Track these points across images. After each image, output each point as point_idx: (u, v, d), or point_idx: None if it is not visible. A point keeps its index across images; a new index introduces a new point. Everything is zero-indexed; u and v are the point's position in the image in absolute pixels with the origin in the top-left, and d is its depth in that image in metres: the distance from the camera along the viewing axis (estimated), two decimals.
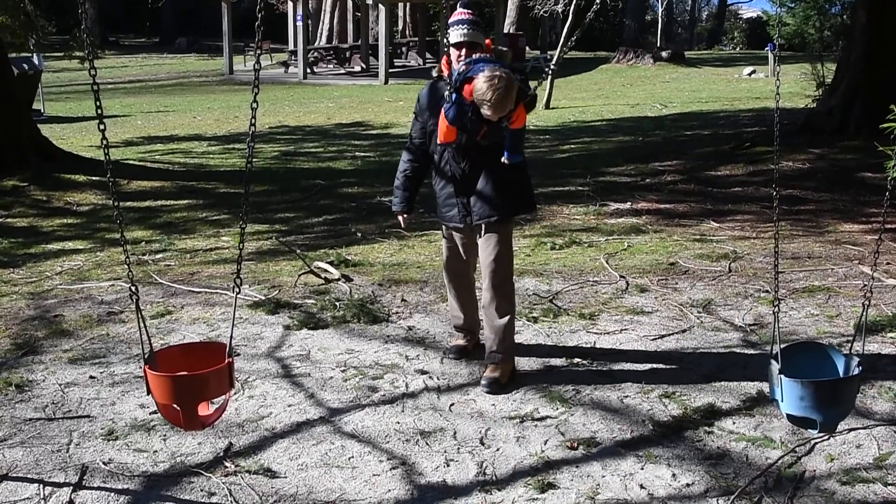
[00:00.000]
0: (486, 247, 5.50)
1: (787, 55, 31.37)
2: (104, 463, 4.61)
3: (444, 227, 5.71)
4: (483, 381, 5.46)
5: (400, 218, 5.81)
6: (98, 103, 3.86)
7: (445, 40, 5.39)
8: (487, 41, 5.44)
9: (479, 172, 5.41)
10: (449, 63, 5.39)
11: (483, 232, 5.47)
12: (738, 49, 51.57)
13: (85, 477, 4.49)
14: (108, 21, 50.67)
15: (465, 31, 5.30)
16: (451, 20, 5.39)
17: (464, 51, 5.29)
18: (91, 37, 4.22)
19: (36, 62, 21.83)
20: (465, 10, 5.40)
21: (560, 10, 27.67)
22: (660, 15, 48.83)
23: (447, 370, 5.72)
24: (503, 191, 5.41)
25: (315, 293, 7.27)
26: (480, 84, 4.99)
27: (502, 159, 5.29)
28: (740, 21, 58.81)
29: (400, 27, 45.50)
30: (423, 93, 5.62)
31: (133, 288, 3.97)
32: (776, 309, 4.21)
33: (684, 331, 6.36)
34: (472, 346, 5.95)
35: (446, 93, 5.21)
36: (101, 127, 3.86)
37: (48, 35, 22.35)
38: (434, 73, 5.63)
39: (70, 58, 18.67)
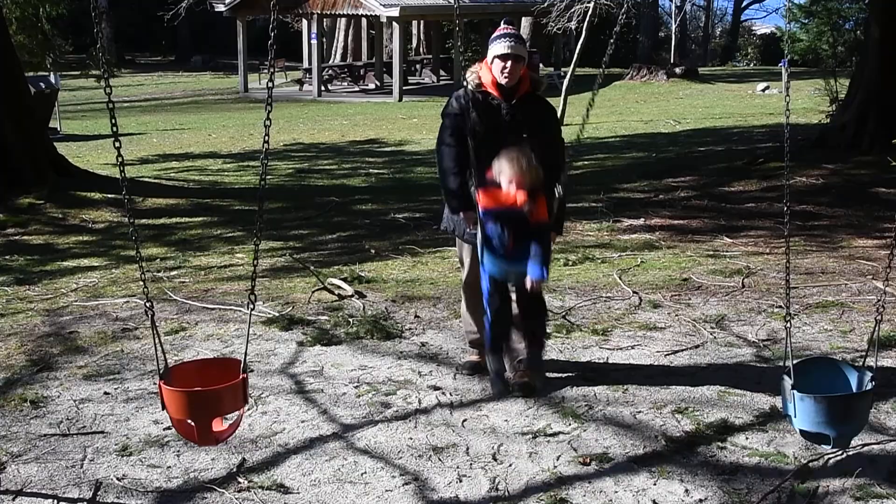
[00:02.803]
0: None
1: (801, 71, 31.34)
2: (118, 479, 4.63)
3: (465, 244, 5.71)
4: (515, 386, 5.51)
5: (468, 215, 5.44)
6: (113, 121, 3.90)
7: (490, 52, 5.42)
8: (523, 69, 5.48)
9: None
10: (495, 80, 5.40)
11: None
12: (751, 65, 51.50)
13: (99, 492, 4.51)
14: (125, 40, 50.94)
15: (511, 43, 5.35)
16: (495, 34, 5.44)
17: (509, 63, 5.32)
18: (107, 55, 4.27)
19: (52, 81, 22.00)
20: (509, 26, 5.47)
21: (573, 28, 27.69)
22: (673, 31, 48.86)
23: (460, 386, 5.72)
24: None
25: (328, 309, 7.29)
26: (502, 160, 5.08)
27: (527, 279, 5.15)
28: (754, 37, 58.73)
29: (414, 45, 45.64)
30: (461, 101, 5.45)
31: (148, 304, 4.00)
32: (788, 325, 4.22)
33: (697, 346, 6.35)
34: (485, 361, 5.95)
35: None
36: (117, 144, 3.91)
37: (65, 54, 22.54)
38: (469, 81, 5.47)
39: (86, 76, 18.86)
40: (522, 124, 5.39)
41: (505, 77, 5.37)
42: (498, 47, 5.35)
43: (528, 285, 5.09)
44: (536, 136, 5.41)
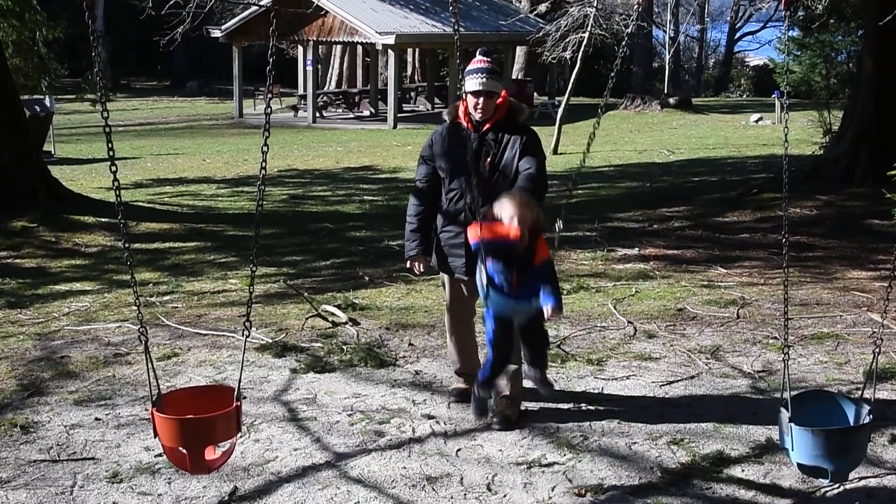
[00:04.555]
0: None
1: (794, 102, 31.46)
2: None
3: (445, 273, 5.71)
4: (495, 419, 5.50)
5: (417, 263, 5.74)
6: (110, 145, 3.88)
7: (460, 87, 5.42)
8: (503, 92, 5.47)
9: None
10: (467, 112, 5.41)
11: None
12: (744, 96, 51.74)
13: None
14: (120, 64, 51.05)
15: (483, 79, 5.32)
16: (469, 68, 5.40)
17: (482, 99, 5.31)
18: (103, 79, 4.25)
19: (48, 104, 21.99)
20: (484, 59, 5.43)
21: (568, 57, 27.79)
22: (667, 62, 49.08)
23: (454, 415, 5.69)
24: None
25: (322, 336, 7.26)
26: (502, 199, 4.79)
27: (545, 306, 4.79)
28: (747, 68, 59.06)
29: (409, 72, 45.76)
30: (435, 137, 5.61)
31: (142, 329, 3.96)
32: (786, 356, 4.20)
33: (692, 377, 6.33)
34: (473, 388, 5.93)
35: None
36: (113, 169, 3.88)
37: (60, 77, 22.53)
38: (445, 117, 5.63)
39: (82, 100, 18.82)
40: (489, 152, 5.36)
41: (478, 112, 5.38)
42: (470, 83, 5.34)
43: (547, 314, 4.82)
44: (502, 165, 5.36)
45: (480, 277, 4.84)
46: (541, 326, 5.04)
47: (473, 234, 4.90)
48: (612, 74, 5.33)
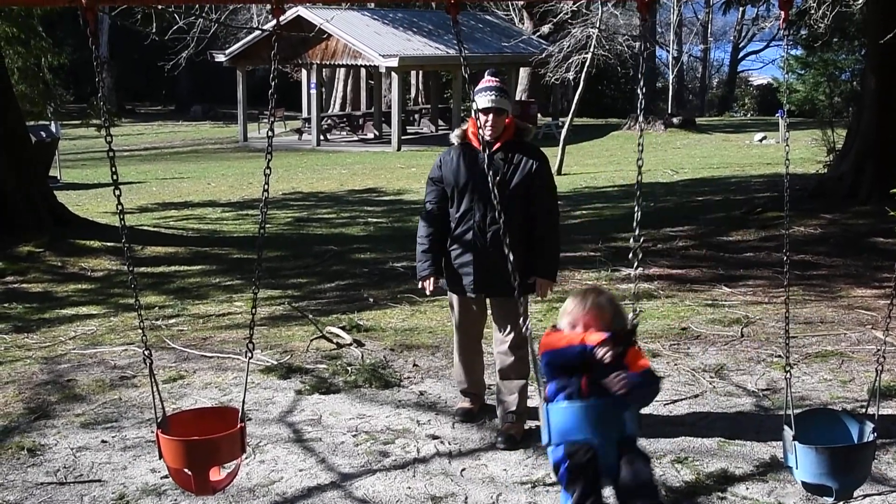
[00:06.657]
0: (503, 312, 5.56)
1: (798, 121, 31.52)
2: None
3: (454, 293, 5.74)
4: (500, 438, 5.52)
5: (428, 283, 5.73)
6: (114, 170, 3.91)
7: (464, 108, 5.49)
8: (508, 119, 5.54)
9: (500, 246, 5.43)
10: (476, 132, 5.46)
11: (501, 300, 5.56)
12: (748, 115, 51.81)
13: None
14: (125, 89, 51.31)
15: (493, 97, 5.41)
16: (479, 86, 5.49)
17: (491, 117, 5.38)
18: (108, 105, 4.30)
19: (53, 130, 22.11)
20: (494, 78, 5.52)
21: (571, 78, 27.90)
22: (671, 82, 49.22)
23: (459, 435, 5.70)
24: (520, 271, 5.46)
25: (327, 358, 7.27)
26: (567, 300, 4.10)
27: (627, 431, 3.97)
28: (751, 87, 59.20)
29: (412, 95, 45.91)
30: (444, 158, 5.65)
31: (147, 353, 3.99)
32: (788, 374, 4.21)
33: (697, 396, 6.33)
34: (477, 408, 5.96)
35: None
36: (117, 193, 3.92)
37: (66, 103, 22.70)
38: (453, 140, 5.67)
39: (87, 125, 18.95)
40: (498, 173, 5.39)
41: (487, 130, 5.45)
42: (479, 101, 5.42)
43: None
44: (513, 184, 5.44)
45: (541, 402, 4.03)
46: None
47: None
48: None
